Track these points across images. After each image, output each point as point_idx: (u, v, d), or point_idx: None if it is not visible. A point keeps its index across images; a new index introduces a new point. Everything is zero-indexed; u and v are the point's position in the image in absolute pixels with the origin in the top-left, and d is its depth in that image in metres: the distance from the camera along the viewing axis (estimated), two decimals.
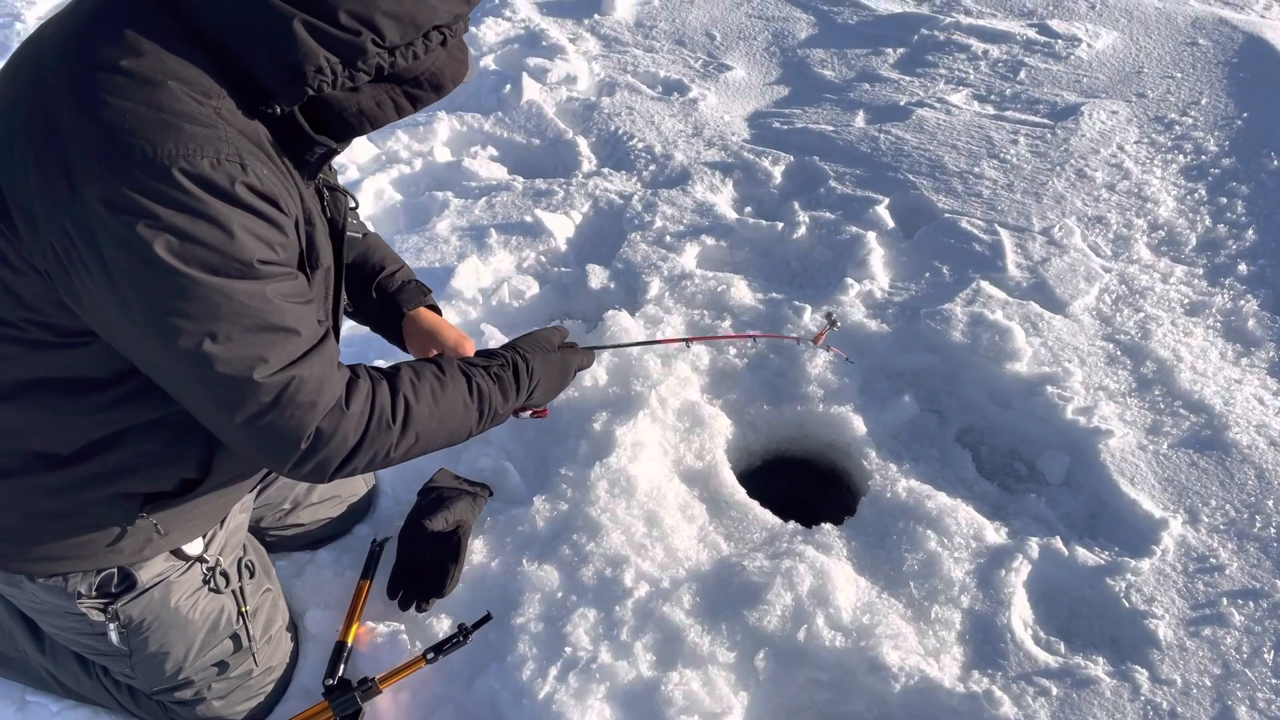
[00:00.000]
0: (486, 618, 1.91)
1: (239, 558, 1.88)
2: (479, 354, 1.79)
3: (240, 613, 1.85)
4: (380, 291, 2.00)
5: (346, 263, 1.89)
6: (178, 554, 1.74)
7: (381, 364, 1.80)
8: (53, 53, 1.29)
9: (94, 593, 1.67)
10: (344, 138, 1.45)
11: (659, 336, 2.64)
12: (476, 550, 2.14)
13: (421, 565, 2.06)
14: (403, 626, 2.01)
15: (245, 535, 1.94)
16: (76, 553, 1.60)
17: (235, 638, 1.85)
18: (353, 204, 1.75)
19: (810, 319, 2.76)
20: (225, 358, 1.31)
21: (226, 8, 1.25)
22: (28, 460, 1.51)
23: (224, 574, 1.82)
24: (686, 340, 2.30)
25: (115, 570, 1.66)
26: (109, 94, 1.21)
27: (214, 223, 1.25)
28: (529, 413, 1.88)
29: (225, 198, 1.26)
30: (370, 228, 2.14)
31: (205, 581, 1.80)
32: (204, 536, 1.78)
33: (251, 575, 1.89)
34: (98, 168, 1.21)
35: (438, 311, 2.06)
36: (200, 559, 1.78)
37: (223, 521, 1.82)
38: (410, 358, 1.90)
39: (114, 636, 1.71)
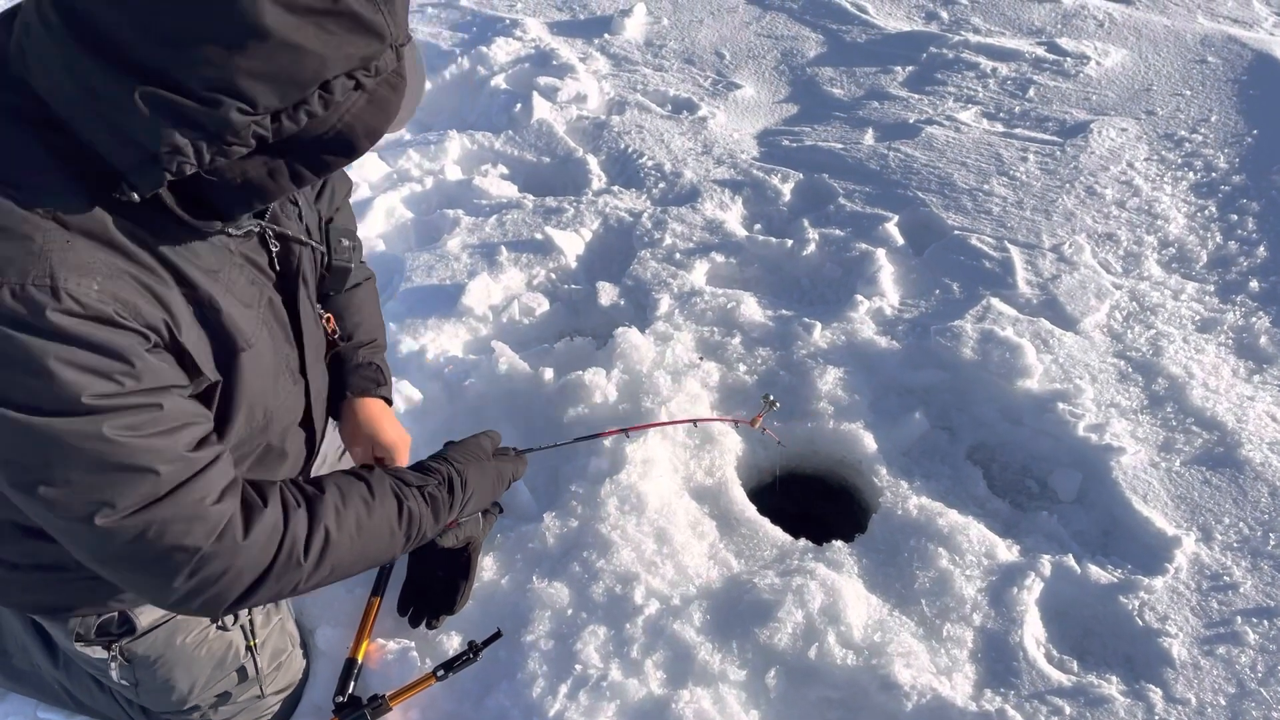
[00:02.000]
0: (497, 635, 1.91)
1: None
2: (413, 467, 1.70)
3: (249, 646, 1.82)
4: (335, 360, 1.84)
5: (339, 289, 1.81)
6: None
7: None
8: None
9: (93, 634, 1.63)
10: (235, 214, 1.27)
11: (668, 356, 2.64)
12: (487, 567, 2.14)
13: (432, 582, 2.06)
14: (413, 644, 2.00)
15: None
16: (77, 599, 1.56)
17: (242, 669, 1.83)
18: (346, 242, 1.65)
19: (820, 335, 2.76)
20: (63, 503, 1.16)
21: (66, 85, 1.07)
22: (10, 530, 1.43)
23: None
24: (625, 430, 2.26)
25: (115, 614, 1.62)
26: None
27: (21, 363, 1.08)
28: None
29: (32, 331, 1.08)
30: (369, 269, 1.99)
31: (212, 620, 1.74)
32: None
33: (264, 610, 1.88)
34: None
35: (389, 403, 1.92)
36: None
37: None
38: None
39: (114, 674, 1.67)
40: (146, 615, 1.66)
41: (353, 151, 1.19)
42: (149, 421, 1.19)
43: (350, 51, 1.09)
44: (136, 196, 1.12)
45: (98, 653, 1.65)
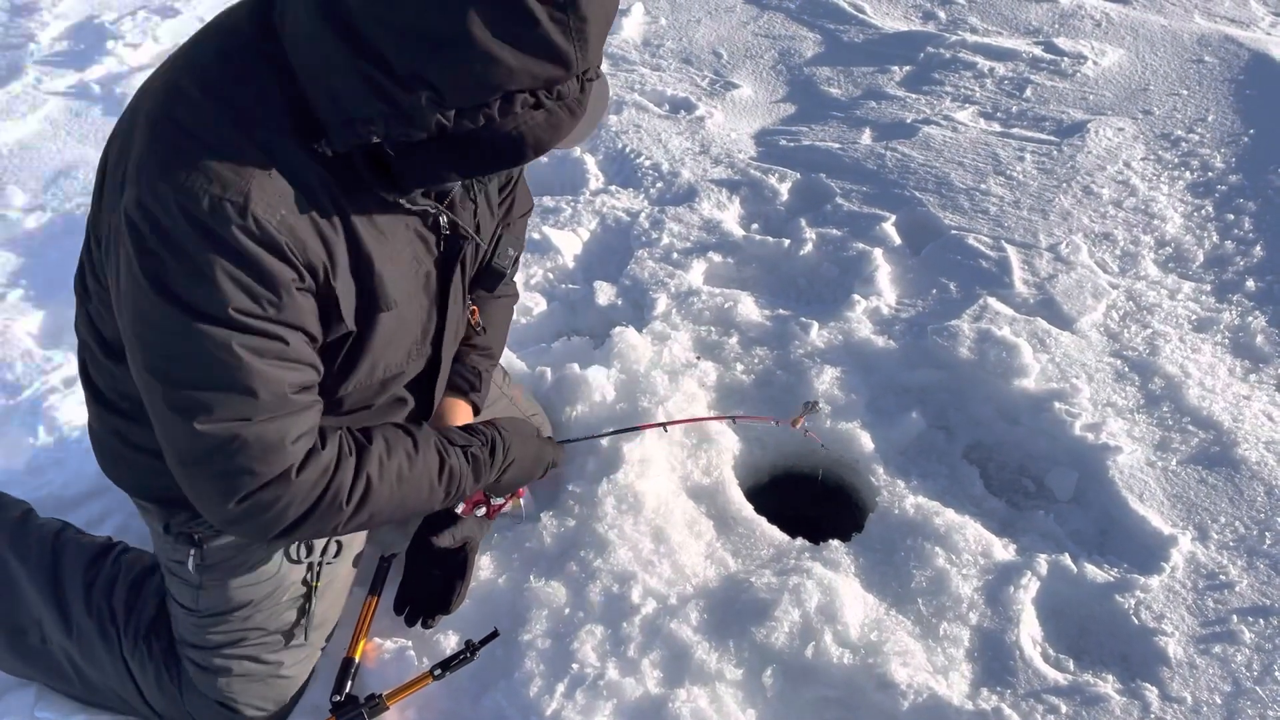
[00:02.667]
0: (494, 634, 1.91)
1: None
2: (462, 428, 1.80)
3: (308, 586, 1.88)
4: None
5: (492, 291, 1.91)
6: None
7: None
8: (165, 68, 1.41)
9: (183, 526, 1.73)
10: (409, 188, 1.44)
11: (666, 356, 2.64)
12: (484, 566, 2.14)
13: (428, 581, 2.06)
14: (410, 643, 2.01)
15: None
16: (179, 492, 1.63)
17: (300, 608, 1.88)
18: (511, 252, 1.77)
19: (817, 334, 2.77)
20: (172, 395, 1.31)
21: (306, 49, 1.28)
22: (137, 408, 1.55)
23: (308, 545, 1.85)
24: (664, 425, 2.31)
25: None
26: (168, 118, 1.30)
27: (191, 262, 1.26)
28: (506, 506, 1.97)
29: (213, 239, 1.26)
30: (517, 290, 2.13)
31: (293, 554, 1.83)
32: None
33: (337, 554, 1.92)
34: (130, 183, 1.29)
35: (476, 410, 2.02)
36: None
37: None
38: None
39: (191, 565, 1.75)
40: None
41: (519, 159, 1.31)
42: (272, 351, 1.34)
43: (536, 72, 1.23)
44: (329, 151, 1.32)
45: (181, 545, 1.75)
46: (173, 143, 1.28)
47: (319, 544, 1.88)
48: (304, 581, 1.89)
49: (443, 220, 1.59)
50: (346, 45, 1.22)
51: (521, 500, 2.17)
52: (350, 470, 1.47)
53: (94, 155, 3.89)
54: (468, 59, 1.18)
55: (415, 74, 1.21)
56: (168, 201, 1.25)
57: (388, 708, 1.83)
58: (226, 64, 1.33)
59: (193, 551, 1.75)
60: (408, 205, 1.48)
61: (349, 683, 1.90)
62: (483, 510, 1.96)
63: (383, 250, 1.47)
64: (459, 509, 1.96)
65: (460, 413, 1.98)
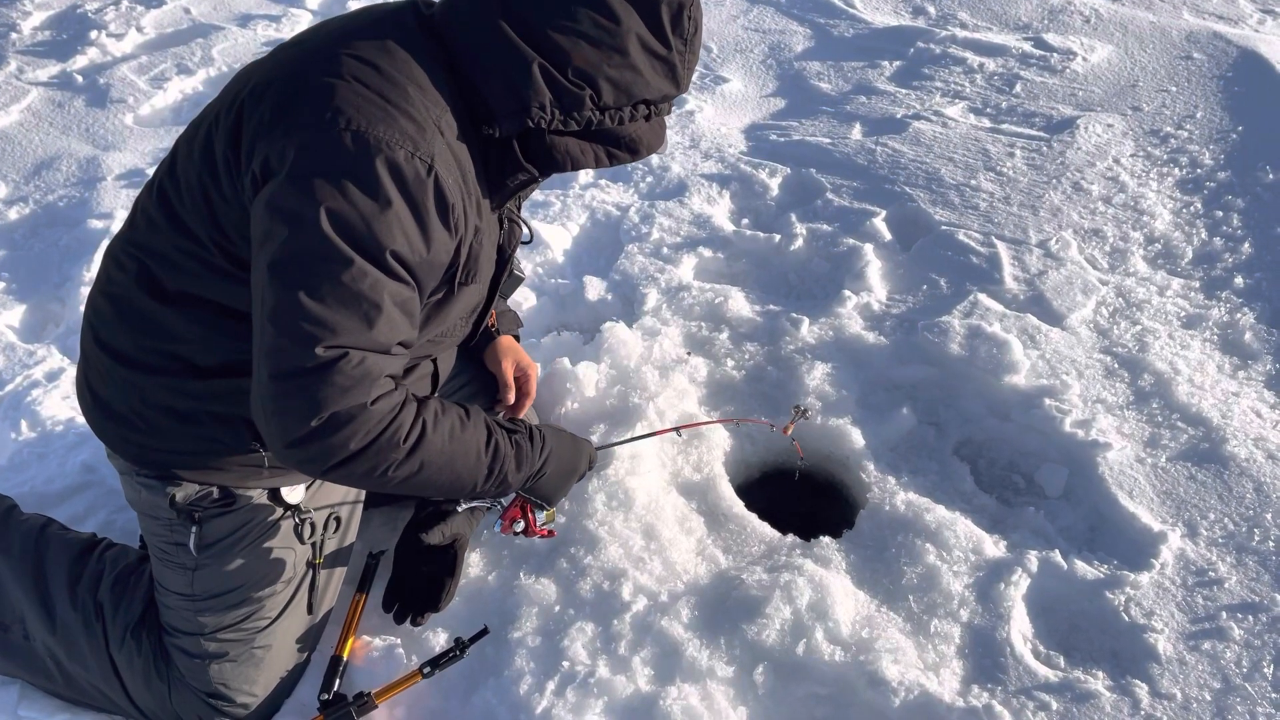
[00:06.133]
0: (483, 632, 1.90)
1: (330, 512, 1.92)
2: (509, 419, 1.88)
3: (311, 564, 1.91)
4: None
5: (507, 294, 2.15)
6: (275, 498, 1.82)
7: None
8: (322, 37, 1.53)
9: (186, 504, 1.76)
10: (546, 172, 1.63)
11: (656, 351, 2.63)
12: (473, 564, 2.13)
13: (417, 579, 2.04)
14: (399, 641, 1.99)
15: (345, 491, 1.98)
16: (189, 462, 1.73)
17: (299, 588, 1.90)
18: (527, 237, 1.93)
19: (807, 330, 2.76)
20: (306, 312, 1.39)
21: (478, 42, 1.49)
22: (170, 361, 1.66)
23: (311, 524, 1.87)
24: (678, 429, 2.30)
25: (215, 489, 1.77)
26: (353, 75, 1.42)
27: (379, 200, 1.39)
28: (543, 531, 1.97)
29: (402, 187, 1.40)
30: (527, 268, 2.37)
31: (296, 532, 1.86)
32: (307, 486, 1.86)
33: (336, 529, 1.94)
34: (313, 122, 1.39)
35: (518, 339, 2.29)
36: (296, 508, 1.85)
37: None
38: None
39: (191, 544, 1.77)
40: (245, 494, 1.80)
41: (637, 155, 1.62)
42: (404, 300, 1.47)
43: (660, 87, 1.56)
44: (498, 133, 1.51)
45: (181, 527, 1.78)
46: (366, 99, 1.40)
47: (319, 522, 1.89)
48: (308, 562, 1.90)
49: (508, 217, 1.79)
50: (526, 46, 1.46)
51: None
52: (412, 413, 1.54)
53: (77, 146, 3.85)
54: (622, 68, 1.49)
55: (585, 74, 1.48)
56: (364, 149, 1.38)
57: (376, 706, 1.82)
58: (396, 50, 1.47)
59: (194, 530, 1.77)
60: (511, 187, 1.64)
61: (337, 681, 1.89)
62: (521, 525, 1.93)
63: (487, 230, 1.66)
64: (498, 527, 1.94)
65: (519, 345, 2.25)
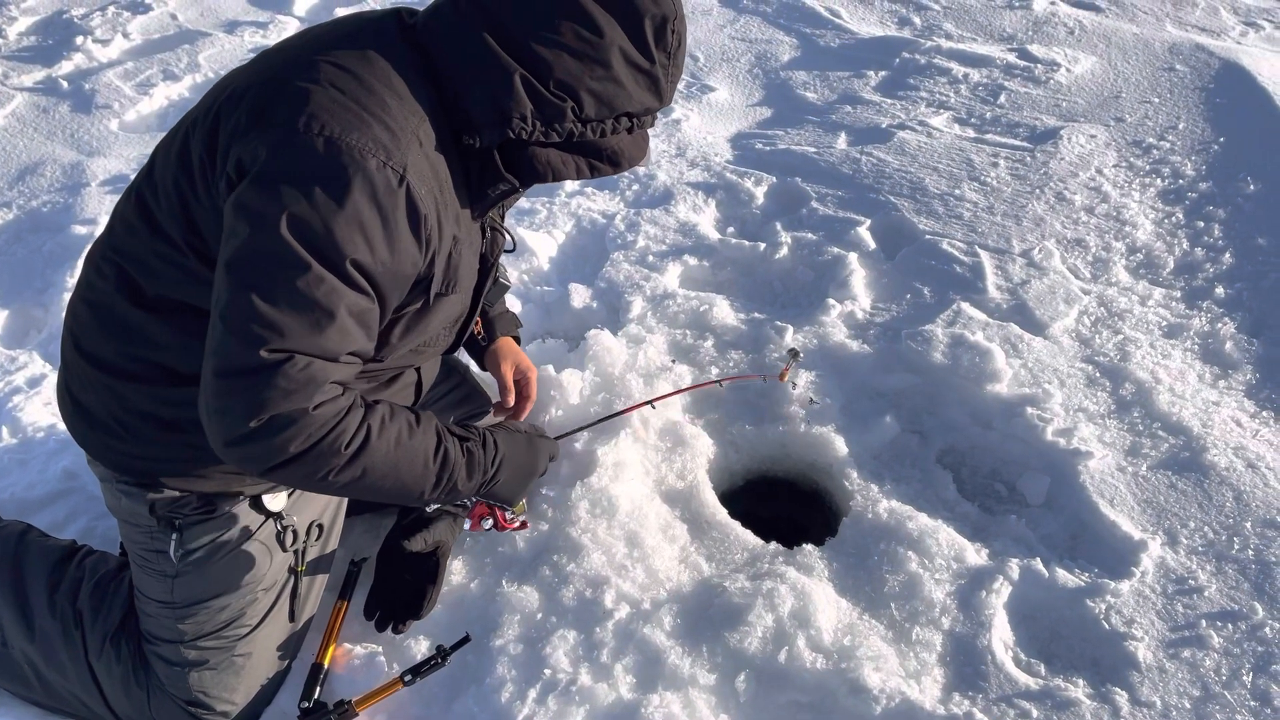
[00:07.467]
0: (465, 639, 1.89)
1: (312, 520, 1.92)
2: (459, 425, 1.85)
3: (294, 571, 1.90)
4: (483, 315, 2.21)
5: (492, 302, 2.19)
6: (257, 505, 1.81)
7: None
8: (303, 44, 1.54)
9: (166, 511, 1.76)
10: (527, 183, 1.64)
11: (640, 359, 2.63)
12: (456, 571, 2.12)
13: (399, 586, 2.04)
14: (380, 648, 1.98)
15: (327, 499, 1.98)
16: (169, 469, 1.72)
17: (280, 596, 1.89)
18: (510, 245, 1.94)
19: (791, 339, 2.77)
20: (255, 313, 1.38)
21: (460, 52, 1.49)
22: (151, 368, 1.65)
23: (293, 531, 1.87)
24: (651, 402, 2.31)
25: (196, 496, 1.76)
26: (330, 81, 1.43)
27: (345, 208, 1.38)
28: (516, 524, 1.96)
29: (372, 195, 1.40)
30: (512, 275, 2.35)
31: (277, 539, 1.85)
32: (289, 494, 1.85)
33: (319, 537, 1.94)
34: (286, 126, 1.39)
35: (519, 341, 2.31)
36: (278, 516, 1.84)
37: None
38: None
39: (172, 551, 1.77)
40: (226, 505, 1.79)
41: (618, 167, 1.63)
42: (361, 310, 1.46)
43: (644, 101, 1.56)
44: (478, 143, 1.51)
45: (161, 528, 1.77)
46: (341, 105, 1.41)
47: (301, 529, 1.88)
48: (289, 569, 1.89)
49: (490, 226, 1.79)
50: (507, 57, 1.46)
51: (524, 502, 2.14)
52: (357, 419, 1.53)
53: (62, 152, 3.84)
54: (605, 80, 1.49)
55: (567, 86, 1.48)
56: (335, 154, 1.38)
57: (357, 714, 1.81)
58: (376, 58, 1.48)
59: (175, 537, 1.76)
60: (492, 197, 1.64)
61: (318, 689, 1.88)
62: (489, 523, 1.93)
63: (468, 240, 1.66)
64: (466, 525, 1.94)
65: (519, 347, 2.27)
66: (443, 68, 1.50)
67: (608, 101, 1.51)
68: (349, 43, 1.51)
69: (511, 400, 2.21)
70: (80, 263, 3.07)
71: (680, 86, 4.30)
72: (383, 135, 1.41)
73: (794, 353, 2.38)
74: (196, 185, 1.52)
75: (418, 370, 1.95)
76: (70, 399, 1.78)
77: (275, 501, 1.83)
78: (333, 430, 1.48)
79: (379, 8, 1.63)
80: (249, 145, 1.41)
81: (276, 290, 1.39)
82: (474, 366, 2.33)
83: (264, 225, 1.38)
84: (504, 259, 3.14)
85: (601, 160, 1.60)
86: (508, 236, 1.90)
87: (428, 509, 2.00)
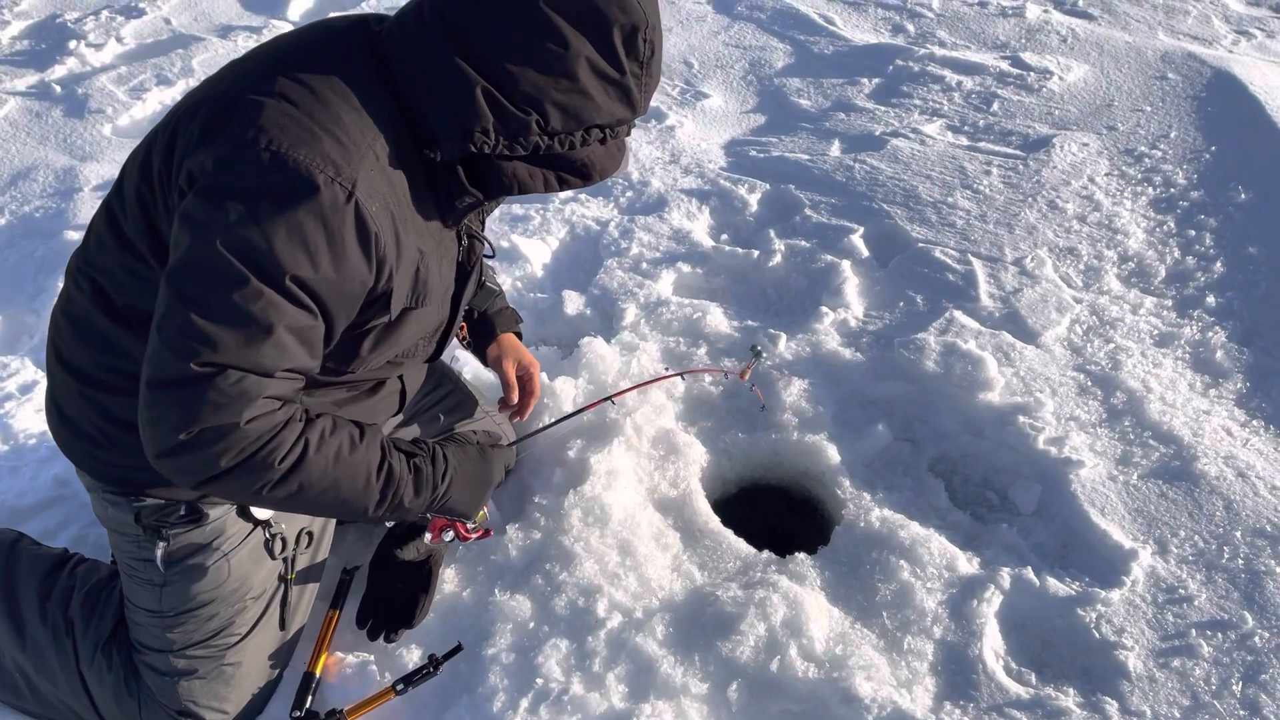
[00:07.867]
0: (457, 648, 1.90)
1: (301, 527, 1.92)
2: (411, 441, 1.84)
3: (284, 579, 1.90)
4: (482, 313, 2.24)
5: (480, 306, 2.19)
6: (244, 513, 1.82)
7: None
8: (263, 56, 1.51)
9: (152, 519, 1.76)
10: (492, 196, 1.61)
11: (634, 366, 2.64)
12: (448, 580, 2.12)
13: (391, 595, 2.04)
14: (372, 657, 1.98)
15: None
16: (154, 478, 1.70)
17: (268, 602, 1.88)
18: (489, 253, 1.92)
19: (785, 346, 2.78)
20: (190, 325, 1.37)
21: (422, 65, 1.45)
22: (128, 379, 1.62)
23: (282, 539, 1.87)
24: (611, 398, 2.33)
25: (182, 504, 1.75)
26: (283, 95, 1.40)
27: (288, 223, 1.36)
28: (478, 534, 1.97)
29: (318, 211, 1.37)
30: (505, 282, 2.38)
31: (266, 547, 1.85)
32: None
33: (309, 545, 1.94)
34: (235, 140, 1.38)
35: (520, 337, 2.31)
36: (266, 524, 1.84)
37: None
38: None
39: (159, 559, 1.76)
40: (214, 511, 1.79)
41: (588, 180, 1.58)
42: (302, 328, 1.44)
43: (614, 112, 1.51)
44: (439, 157, 1.48)
45: (148, 536, 1.77)
46: (293, 119, 1.38)
47: (291, 537, 1.88)
48: (280, 577, 1.89)
49: (466, 234, 1.76)
50: (470, 71, 1.42)
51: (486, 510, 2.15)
52: (293, 434, 1.51)
53: (55, 157, 3.83)
54: (571, 93, 1.45)
55: (531, 99, 1.43)
56: (281, 168, 1.36)
57: None
58: (335, 70, 1.46)
59: (161, 545, 1.76)
60: (460, 209, 1.62)
61: (309, 698, 1.88)
62: (450, 535, 1.93)
63: (436, 252, 1.63)
64: (427, 537, 1.94)
65: (521, 343, 2.27)
66: (403, 80, 1.48)
67: (575, 114, 1.47)
68: (310, 55, 1.49)
69: (515, 397, 2.20)
70: None
71: (674, 93, 4.31)
72: (333, 151, 1.39)
73: (756, 351, 2.40)
74: (157, 197, 1.51)
75: (401, 379, 1.94)
76: (55, 409, 1.78)
77: (263, 510, 1.83)
78: (266, 445, 1.47)
79: (353, 12, 1.59)
80: (198, 158, 1.41)
81: (211, 303, 1.38)
82: (477, 364, 2.34)
83: (204, 237, 1.37)
84: (497, 265, 3.15)
85: (571, 173, 1.57)
86: (486, 244, 1.89)
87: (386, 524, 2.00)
